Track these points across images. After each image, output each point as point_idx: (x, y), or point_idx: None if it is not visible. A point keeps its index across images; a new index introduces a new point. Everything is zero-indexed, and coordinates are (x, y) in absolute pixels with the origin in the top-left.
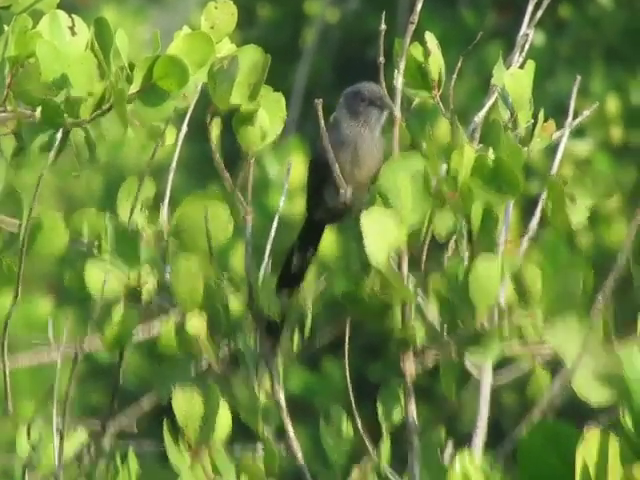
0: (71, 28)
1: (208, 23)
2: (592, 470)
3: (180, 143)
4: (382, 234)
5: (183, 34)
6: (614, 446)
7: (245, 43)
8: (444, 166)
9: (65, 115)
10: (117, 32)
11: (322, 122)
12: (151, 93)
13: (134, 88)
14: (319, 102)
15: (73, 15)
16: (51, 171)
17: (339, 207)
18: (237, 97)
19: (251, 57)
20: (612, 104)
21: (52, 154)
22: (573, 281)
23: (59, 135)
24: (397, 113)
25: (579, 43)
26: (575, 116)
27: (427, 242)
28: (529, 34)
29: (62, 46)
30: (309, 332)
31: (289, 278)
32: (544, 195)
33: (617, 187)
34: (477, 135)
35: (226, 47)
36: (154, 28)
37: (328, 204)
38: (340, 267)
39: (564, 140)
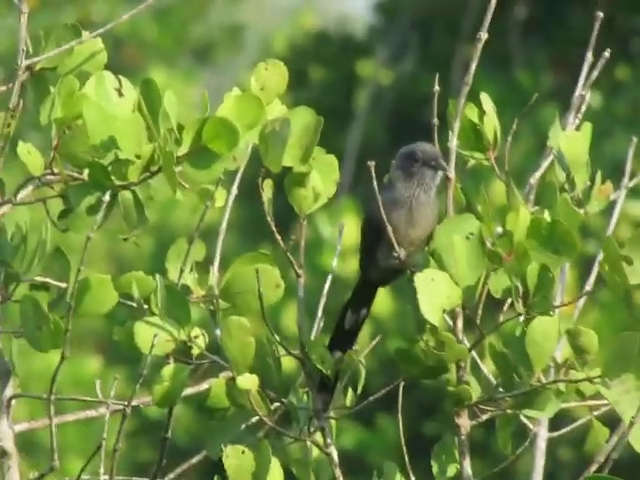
0: (118, 90)
1: (258, 84)
2: None
3: (230, 205)
4: (436, 294)
5: (233, 95)
6: None
7: (297, 105)
8: (499, 228)
9: (112, 177)
10: (166, 93)
11: (375, 183)
12: (200, 155)
13: (183, 150)
14: (372, 164)
15: (120, 77)
16: (100, 233)
17: (393, 267)
18: (289, 159)
19: (303, 119)
20: None
21: (99, 216)
22: (631, 340)
23: (107, 197)
24: (451, 174)
25: (636, 103)
26: (632, 177)
27: (482, 302)
28: (585, 95)
29: (109, 108)
30: (362, 388)
31: (342, 338)
32: (600, 256)
33: None
34: (532, 197)
35: (277, 109)
36: (204, 89)
37: (381, 264)
38: (394, 326)
39: (620, 201)
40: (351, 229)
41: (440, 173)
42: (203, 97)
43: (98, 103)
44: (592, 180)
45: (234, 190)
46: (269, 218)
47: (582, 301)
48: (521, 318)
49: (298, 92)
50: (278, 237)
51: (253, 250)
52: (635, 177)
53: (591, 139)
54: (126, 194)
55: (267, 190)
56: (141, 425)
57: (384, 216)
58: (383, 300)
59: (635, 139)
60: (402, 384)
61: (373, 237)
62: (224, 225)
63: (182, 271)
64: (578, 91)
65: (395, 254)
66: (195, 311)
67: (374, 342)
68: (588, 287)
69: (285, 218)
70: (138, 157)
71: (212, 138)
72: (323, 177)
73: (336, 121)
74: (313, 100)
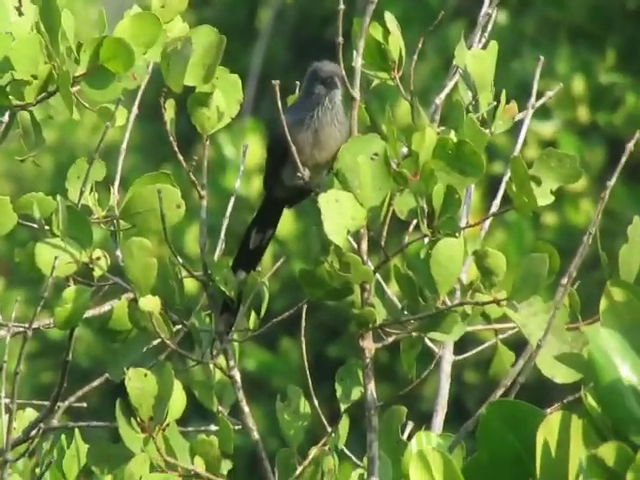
0: (18, 8)
1: (159, 2)
2: (553, 450)
3: (131, 124)
4: (340, 215)
5: (131, 14)
6: (577, 426)
7: (199, 23)
8: (404, 148)
9: (10, 97)
10: (63, 12)
11: (279, 103)
12: (97, 75)
13: (81, 70)
14: (276, 83)
15: None
16: (1, 154)
17: (297, 187)
18: (191, 79)
19: (206, 38)
20: (578, 84)
21: None
22: (539, 262)
23: (5, 118)
24: (356, 94)
25: (544, 22)
26: (539, 97)
27: (387, 223)
28: (492, 13)
29: (6, 27)
30: (265, 311)
31: (246, 258)
32: (507, 176)
33: (583, 168)
34: (438, 117)
35: (178, 26)
36: (103, 8)
37: (286, 184)
38: (299, 248)
39: (527, 121)
40: (254, 149)
41: (336, 92)
42: (100, 16)
43: None
44: (498, 100)
45: (135, 109)
46: (171, 138)
47: (488, 222)
48: (426, 240)
49: (200, 10)
50: (180, 157)
51: (154, 170)
52: (542, 97)
53: (498, 58)
54: (25, 114)
55: (169, 110)
56: (42, 348)
57: (289, 137)
58: (287, 221)
59: (542, 58)
60: (305, 306)
61: (278, 157)
62: (124, 144)
63: (82, 192)
64: (484, 9)
65: (299, 174)
66: (97, 232)
67: (278, 264)
68: (494, 208)
69: (189, 138)
70: (35, 77)
71: (109, 58)
72: (226, 97)
73: (239, 40)
74: (215, 18)
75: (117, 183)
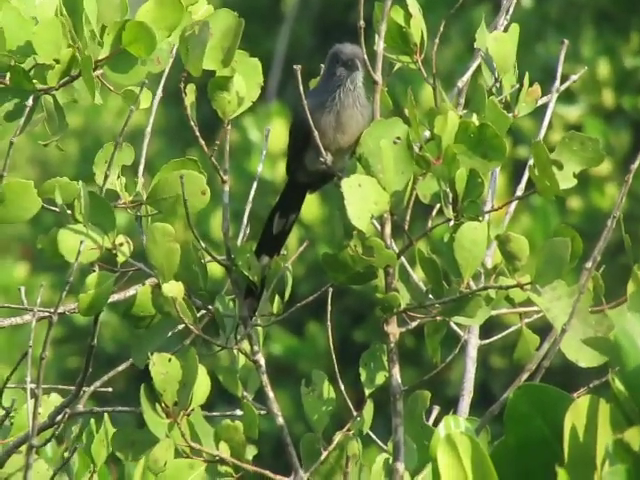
0: None
1: None
2: (581, 434)
3: (155, 108)
4: (364, 199)
5: None
6: (604, 410)
7: (224, 6)
8: (427, 132)
9: (35, 81)
10: None
11: (301, 87)
12: (120, 59)
13: (103, 54)
14: (298, 68)
15: None
16: (25, 138)
17: (320, 171)
18: (210, 62)
19: (224, 21)
20: (603, 68)
21: (22, 121)
22: (562, 246)
23: (30, 102)
24: (378, 78)
25: (569, 6)
26: (564, 80)
27: (410, 207)
28: None
29: (29, 10)
30: (290, 295)
31: (270, 243)
32: (531, 161)
33: (608, 151)
34: (461, 100)
35: (203, 9)
36: None
37: (309, 168)
38: (322, 233)
39: (552, 105)
40: (279, 133)
41: (357, 73)
42: None
43: (16, 8)
44: (521, 83)
45: (159, 92)
46: (192, 123)
47: (513, 206)
48: (450, 223)
49: None
50: (202, 142)
51: (182, 155)
52: (567, 80)
53: (522, 42)
54: (48, 98)
55: (190, 94)
56: (68, 333)
57: (310, 121)
58: (311, 206)
59: (566, 41)
60: (331, 290)
61: (300, 142)
62: (149, 128)
63: (107, 177)
64: None
65: (322, 159)
66: (121, 217)
67: (301, 248)
68: (519, 192)
69: (213, 123)
70: (57, 61)
71: (131, 42)
72: (247, 81)
73: (264, 24)
74: (240, 2)
75: (142, 167)
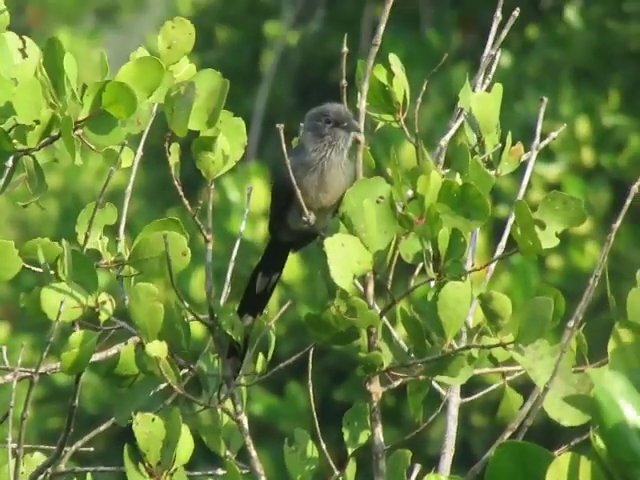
0: (22, 50)
1: (165, 43)
2: None
3: (136, 168)
4: (346, 259)
5: (134, 58)
6: (585, 468)
7: (203, 66)
8: (409, 191)
9: (14, 142)
10: (65, 55)
11: (284, 146)
12: (100, 120)
13: (84, 114)
14: (281, 127)
15: (24, 37)
16: (5, 198)
17: (303, 230)
18: (195, 123)
19: (209, 82)
20: (582, 126)
21: (1, 182)
22: (544, 305)
23: (9, 163)
24: (361, 137)
25: (547, 64)
26: (543, 138)
27: (393, 266)
28: (495, 55)
29: (10, 70)
30: (272, 355)
31: (253, 302)
32: (512, 219)
33: (588, 210)
34: (442, 159)
35: (184, 67)
36: (110, 50)
37: (291, 227)
38: (305, 292)
39: (531, 163)
40: (259, 193)
41: (353, 134)
42: (102, 58)
43: None
44: (503, 142)
45: (139, 152)
46: (176, 182)
47: (493, 265)
48: (432, 283)
49: (204, 53)
50: (185, 202)
51: (162, 215)
52: (546, 138)
53: (502, 100)
54: (29, 159)
55: (174, 154)
56: (49, 393)
57: (293, 180)
58: (293, 266)
59: (545, 99)
60: (312, 350)
61: (283, 201)
62: (130, 187)
63: (87, 237)
64: (487, 51)
65: (304, 218)
66: (103, 276)
67: (284, 308)
68: (499, 251)
69: (193, 182)
70: (37, 122)
71: (111, 103)
72: (230, 140)
73: (243, 83)
74: (219, 61)
75: (122, 227)
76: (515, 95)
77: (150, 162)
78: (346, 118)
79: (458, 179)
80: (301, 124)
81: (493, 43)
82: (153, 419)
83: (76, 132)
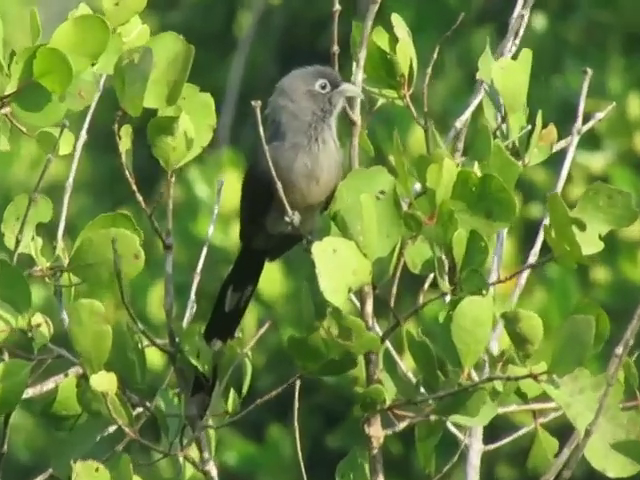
0: None
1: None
2: None
3: (79, 155)
4: (339, 269)
5: (73, 17)
6: None
7: (164, 30)
8: (417, 184)
9: None
10: None
11: (261, 128)
12: (31, 93)
13: (11, 88)
14: (257, 104)
15: None
16: None
17: (284, 234)
18: (152, 100)
19: (170, 48)
20: (634, 105)
21: None
22: (584, 326)
23: None
24: (356, 118)
25: (592, 27)
26: (586, 120)
27: (397, 278)
28: (525, 15)
29: None
30: (248, 389)
31: (222, 323)
32: (546, 220)
33: None
34: (459, 145)
35: (135, 31)
36: (48, 10)
37: (269, 231)
38: (287, 310)
39: (571, 150)
40: (232, 187)
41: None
42: (32, 17)
43: None
44: (532, 123)
45: (83, 134)
46: (128, 174)
47: (524, 277)
48: (447, 299)
49: (164, 13)
50: (139, 198)
51: (111, 212)
52: (590, 120)
53: (534, 71)
54: None
55: (125, 139)
56: None
57: (273, 171)
58: (273, 277)
59: (589, 71)
60: (298, 383)
61: (260, 198)
62: (71, 179)
63: (19, 240)
64: (517, 10)
65: (288, 219)
66: (38, 290)
67: (262, 330)
68: (531, 259)
69: (151, 174)
70: None
71: (44, 72)
72: (196, 121)
73: (213, 49)
74: (183, 24)
75: (62, 227)
76: (552, 66)
77: (97, 148)
78: (340, 79)
79: (477, 169)
80: (269, 100)
81: (524, 1)
82: (97, 468)
83: (2, 110)
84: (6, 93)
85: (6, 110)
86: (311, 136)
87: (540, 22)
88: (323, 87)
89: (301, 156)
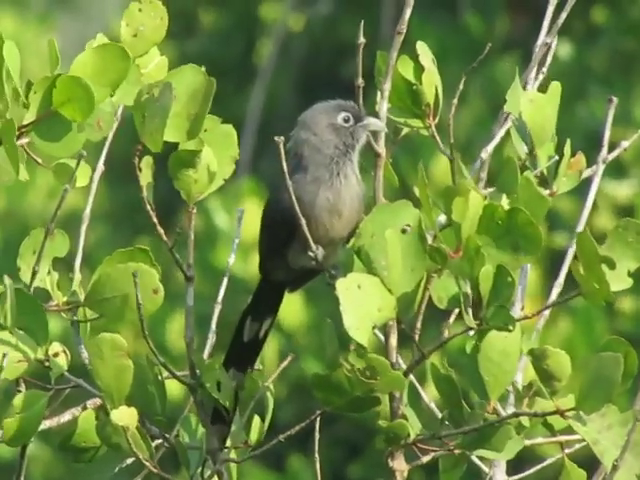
0: None
1: (130, 30)
2: None
3: (96, 186)
4: (364, 305)
5: (93, 46)
6: None
7: (181, 59)
8: (442, 217)
9: None
10: (5, 44)
11: (284, 162)
12: (50, 123)
13: (30, 117)
14: (280, 140)
15: None
16: None
17: (307, 267)
18: (173, 133)
19: (190, 80)
20: None
21: None
22: (612, 363)
23: None
24: (381, 150)
25: (616, 55)
26: (612, 149)
27: (422, 313)
28: (551, 43)
29: None
30: (270, 422)
31: (241, 354)
32: (571, 251)
33: None
34: (484, 176)
35: (154, 62)
36: (65, 38)
37: (291, 265)
38: (310, 342)
39: (597, 179)
40: (253, 217)
41: (359, 140)
42: (51, 46)
43: None
44: (560, 152)
45: (100, 166)
46: (149, 206)
47: (549, 312)
48: (472, 333)
49: (183, 42)
50: (160, 230)
51: (127, 245)
52: (616, 148)
53: (560, 100)
54: None
55: (146, 171)
56: None
57: (296, 206)
58: (292, 306)
59: (615, 99)
60: (320, 416)
61: (282, 232)
62: (88, 210)
63: (35, 272)
64: (542, 38)
65: (312, 254)
66: (55, 322)
67: (285, 363)
68: (556, 290)
69: (170, 204)
70: None
71: (63, 102)
72: (218, 153)
73: (233, 80)
74: (202, 53)
75: (79, 260)
76: (577, 94)
77: (115, 179)
78: (363, 113)
79: (504, 202)
80: (291, 134)
81: (549, 29)
82: None
83: (20, 140)
84: (24, 123)
85: (24, 141)
86: (333, 170)
87: (565, 49)
88: (346, 121)
89: (323, 190)
